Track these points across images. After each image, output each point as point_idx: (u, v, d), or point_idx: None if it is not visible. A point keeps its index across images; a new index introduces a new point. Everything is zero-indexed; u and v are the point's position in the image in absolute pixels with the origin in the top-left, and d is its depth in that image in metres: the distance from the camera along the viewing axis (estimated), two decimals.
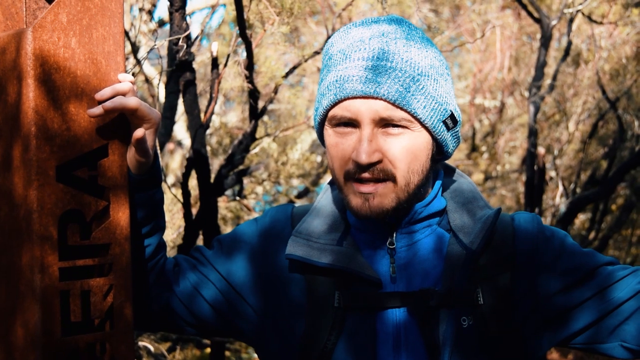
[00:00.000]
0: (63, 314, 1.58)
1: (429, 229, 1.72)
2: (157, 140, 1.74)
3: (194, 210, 3.81)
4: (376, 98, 1.58)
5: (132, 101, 1.59)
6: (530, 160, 6.00)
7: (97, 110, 1.58)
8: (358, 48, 1.62)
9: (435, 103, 1.62)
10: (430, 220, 1.72)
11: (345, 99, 1.61)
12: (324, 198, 1.80)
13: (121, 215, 1.65)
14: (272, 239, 1.80)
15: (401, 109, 1.59)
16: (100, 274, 1.64)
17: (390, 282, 1.68)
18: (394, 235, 1.70)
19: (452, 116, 1.66)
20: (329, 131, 1.67)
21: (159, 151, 2.03)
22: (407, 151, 1.61)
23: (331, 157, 1.66)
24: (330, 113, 1.64)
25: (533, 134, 6.00)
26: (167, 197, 4.53)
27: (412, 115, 1.60)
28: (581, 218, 8.58)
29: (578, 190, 7.39)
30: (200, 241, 3.73)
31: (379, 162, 1.60)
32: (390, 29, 1.64)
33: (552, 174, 8.11)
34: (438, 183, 1.74)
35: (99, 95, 1.58)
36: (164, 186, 2.24)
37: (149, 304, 1.81)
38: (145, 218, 1.74)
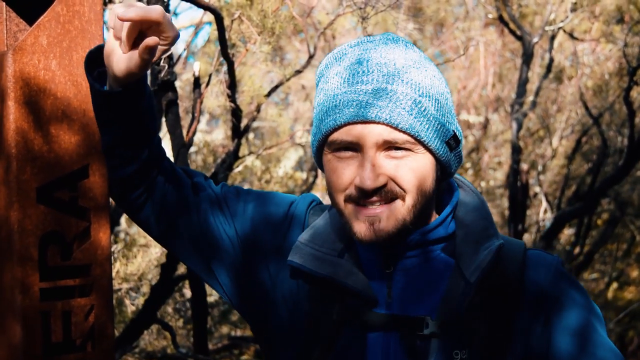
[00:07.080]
0: (44, 334, 1.58)
1: (432, 253, 1.67)
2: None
3: None
4: (378, 123, 1.54)
5: (155, 11, 1.49)
6: (514, 176, 6.04)
7: (129, 13, 1.47)
8: (356, 71, 1.58)
9: (438, 124, 1.58)
10: (435, 246, 1.67)
11: (345, 124, 1.57)
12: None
13: (102, 235, 1.65)
14: (291, 229, 1.77)
15: (404, 132, 1.55)
16: (81, 294, 1.65)
17: (385, 304, 1.64)
18: (395, 257, 1.65)
19: (454, 136, 1.62)
20: (328, 156, 1.62)
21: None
22: (414, 173, 1.57)
23: (330, 182, 1.62)
24: (330, 138, 1.59)
25: (516, 150, 6.04)
26: None
27: (415, 138, 1.56)
28: (566, 233, 8.61)
29: (562, 205, 7.42)
30: None
31: (385, 185, 1.56)
32: (387, 50, 1.60)
33: (537, 189, 8.14)
34: (450, 206, 1.69)
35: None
36: None
37: (165, 194, 1.71)
38: (140, 124, 1.63)
